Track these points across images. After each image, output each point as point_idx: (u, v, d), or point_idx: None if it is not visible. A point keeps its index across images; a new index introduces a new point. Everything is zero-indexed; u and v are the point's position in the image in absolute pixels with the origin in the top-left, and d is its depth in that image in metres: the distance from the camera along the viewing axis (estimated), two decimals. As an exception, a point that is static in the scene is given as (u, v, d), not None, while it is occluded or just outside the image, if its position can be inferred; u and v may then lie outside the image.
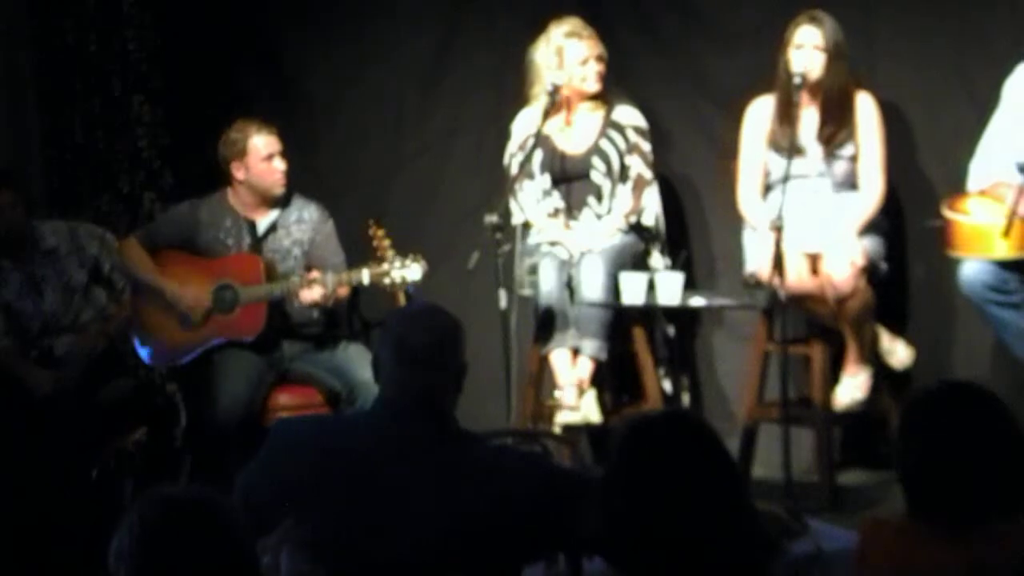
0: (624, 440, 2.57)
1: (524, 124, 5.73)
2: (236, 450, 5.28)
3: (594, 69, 5.62)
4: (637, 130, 5.69)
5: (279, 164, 5.53)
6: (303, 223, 5.59)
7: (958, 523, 2.68)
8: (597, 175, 5.68)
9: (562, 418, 5.45)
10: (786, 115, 5.35)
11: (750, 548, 2.49)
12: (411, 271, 5.22)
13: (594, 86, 5.65)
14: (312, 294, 5.32)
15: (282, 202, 5.61)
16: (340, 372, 5.44)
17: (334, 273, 5.34)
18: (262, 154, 5.51)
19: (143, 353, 5.59)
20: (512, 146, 5.74)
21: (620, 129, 5.69)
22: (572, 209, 5.72)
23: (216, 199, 5.62)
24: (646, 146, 5.69)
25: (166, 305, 5.54)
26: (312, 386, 5.51)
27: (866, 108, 5.40)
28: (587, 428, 5.55)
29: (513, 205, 5.66)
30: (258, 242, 5.58)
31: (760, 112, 5.49)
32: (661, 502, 2.46)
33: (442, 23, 6.42)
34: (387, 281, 5.21)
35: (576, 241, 5.59)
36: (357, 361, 5.42)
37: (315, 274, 5.35)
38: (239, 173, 5.53)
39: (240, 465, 5.29)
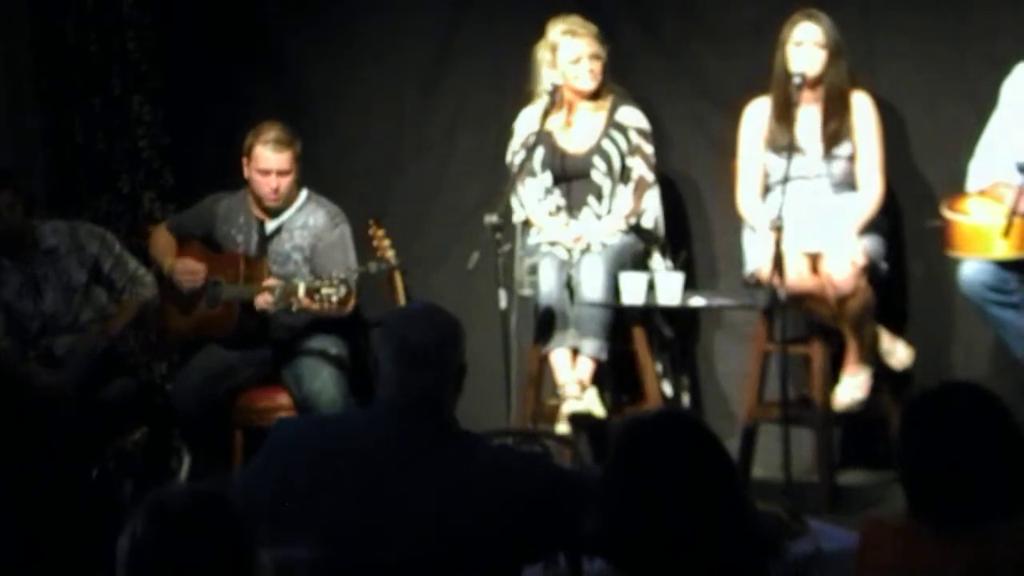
0: (622, 439, 2.57)
1: (527, 122, 5.73)
2: (191, 438, 5.57)
3: (587, 68, 5.61)
4: (640, 132, 5.69)
5: (272, 181, 5.52)
6: (306, 229, 5.60)
7: (958, 523, 2.68)
8: (598, 175, 5.68)
9: (568, 407, 5.44)
10: (784, 115, 5.35)
11: (749, 547, 2.48)
12: (336, 291, 5.19)
13: (587, 84, 5.64)
14: (262, 301, 5.35)
15: (292, 207, 5.61)
16: (296, 381, 5.49)
17: (284, 283, 5.35)
18: (259, 166, 5.53)
19: None
20: (515, 144, 5.74)
21: (623, 130, 5.68)
22: (572, 208, 5.72)
23: (239, 196, 5.69)
24: (648, 148, 5.69)
25: (170, 286, 5.67)
26: (284, 390, 5.58)
27: (863, 108, 5.40)
28: (588, 426, 5.54)
29: (514, 201, 5.66)
30: (264, 243, 5.60)
31: (758, 113, 5.49)
32: (659, 501, 2.45)
33: (442, 23, 6.42)
34: (316, 298, 5.20)
35: (575, 233, 5.59)
36: (308, 372, 5.48)
37: (270, 282, 5.38)
38: (245, 170, 5.59)
39: (195, 453, 5.47)
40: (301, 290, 5.24)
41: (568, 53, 5.60)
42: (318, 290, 5.20)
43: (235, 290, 5.50)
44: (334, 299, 5.18)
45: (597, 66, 5.63)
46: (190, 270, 5.62)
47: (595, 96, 5.69)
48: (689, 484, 2.46)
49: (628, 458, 2.53)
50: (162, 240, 5.79)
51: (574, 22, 5.63)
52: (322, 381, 5.43)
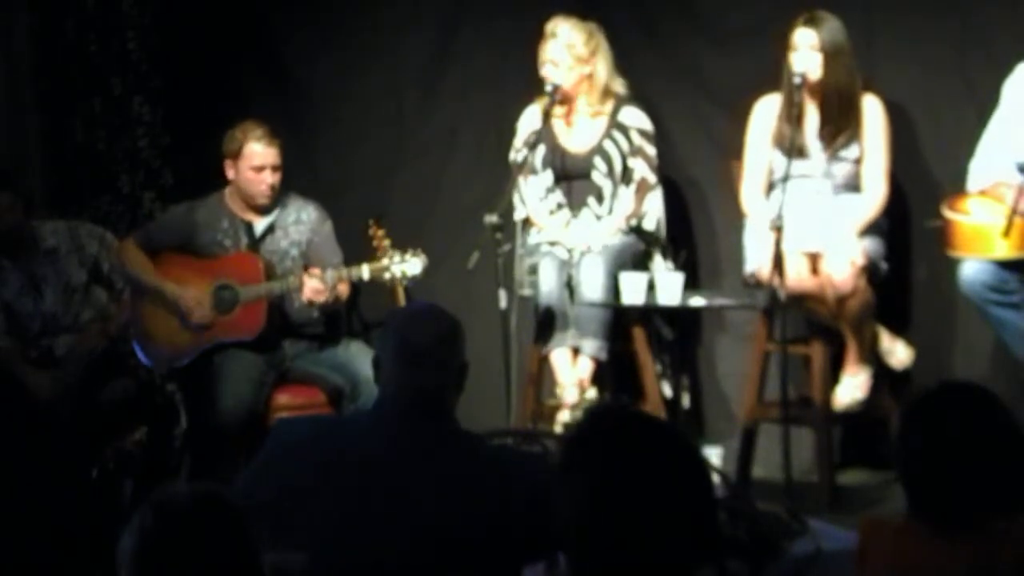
0: (567, 442, 2.50)
1: (529, 120, 5.74)
2: (239, 451, 5.32)
3: (550, 70, 5.57)
4: (642, 133, 5.68)
5: (267, 177, 5.51)
6: (301, 224, 5.59)
7: (958, 523, 2.68)
8: (598, 175, 5.68)
9: (563, 417, 5.45)
10: (789, 114, 5.35)
11: (699, 544, 2.38)
12: (411, 265, 5.26)
13: (549, 86, 5.58)
14: (311, 292, 5.31)
15: (277, 204, 5.60)
16: (343, 369, 5.44)
17: (334, 270, 5.35)
18: (253, 163, 5.51)
19: (143, 357, 5.59)
20: (517, 141, 5.74)
21: (624, 131, 5.69)
22: (573, 208, 5.72)
23: (214, 200, 5.63)
24: (651, 150, 5.69)
25: (167, 306, 5.54)
26: (314, 385, 5.51)
27: (872, 111, 5.40)
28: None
29: (516, 198, 5.66)
30: (255, 243, 5.58)
31: (767, 110, 5.49)
32: (601, 503, 2.36)
33: (442, 23, 6.42)
34: (387, 276, 5.24)
35: (575, 239, 5.59)
36: (359, 358, 5.43)
37: (315, 270, 5.36)
38: (230, 172, 5.55)
39: (242, 466, 5.35)
40: (366, 273, 5.25)
41: (541, 54, 5.61)
42: (387, 268, 5.20)
43: (260, 289, 5.43)
44: (409, 273, 5.21)
45: (557, 72, 5.56)
46: (198, 302, 5.49)
47: (601, 96, 5.66)
48: (630, 484, 2.37)
49: (567, 456, 2.45)
50: (140, 260, 5.59)
51: (553, 24, 5.60)
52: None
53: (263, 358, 5.49)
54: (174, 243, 5.63)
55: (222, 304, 5.51)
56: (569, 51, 5.58)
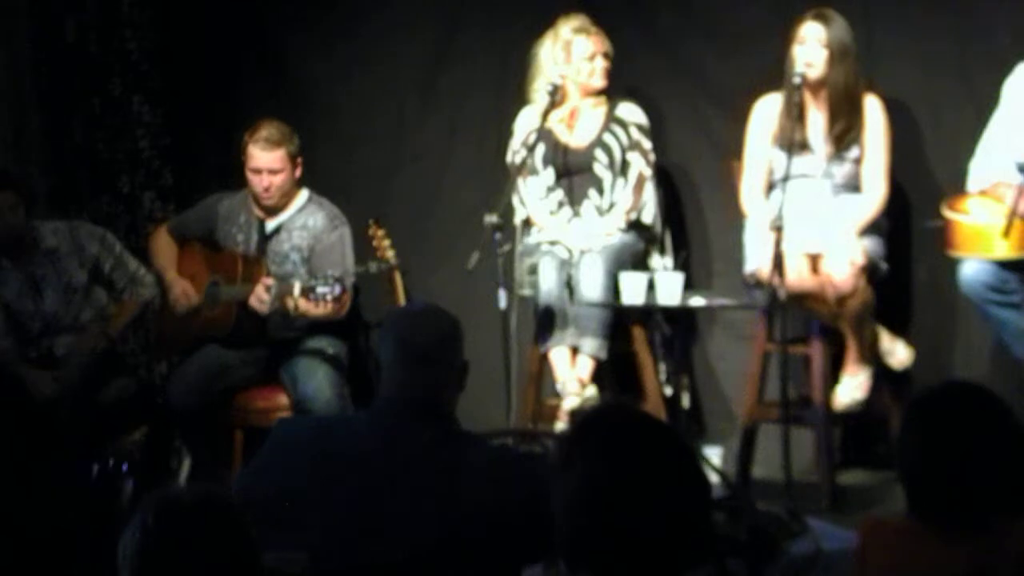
0: (566, 437, 2.49)
1: (526, 121, 5.75)
2: (187, 436, 5.62)
3: (601, 65, 5.67)
4: (639, 127, 5.72)
5: (263, 180, 5.49)
6: (305, 230, 5.58)
7: (959, 523, 2.68)
8: (599, 167, 5.70)
9: (568, 404, 5.45)
10: (790, 112, 5.35)
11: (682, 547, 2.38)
12: (331, 290, 5.18)
13: (600, 82, 5.69)
14: (254, 301, 5.33)
15: (293, 206, 5.60)
16: (293, 382, 5.47)
17: (279, 284, 5.32)
18: (250, 164, 5.52)
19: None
20: (515, 143, 5.75)
21: (623, 125, 5.72)
22: (574, 203, 5.74)
23: (240, 195, 5.67)
24: (647, 144, 5.72)
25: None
26: (283, 390, 5.56)
27: (873, 111, 5.40)
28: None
29: (515, 200, 5.67)
30: (263, 242, 5.59)
31: (767, 109, 5.48)
32: (598, 500, 2.35)
33: (442, 23, 6.43)
34: (312, 296, 5.19)
35: (575, 239, 5.60)
36: (304, 372, 5.45)
37: (267, 280, 5.35)
38: (245, 169, 5.58)
39: (195, 453, 5.50)
40: (296, 289, 5.23)
41: (583, 50, 5.65)
42: (313, 289, 5.19)
43: (233, 291, 5.49)
44: (329, 297, 5.17)
45: (608, 64, 5.69)
46: (185, 294, 5.61)
47: (596, 93, 5.72)
48: (631, 483, 2.37)
49: (562, 457, 2.44)
50: (163, 246, 5.75)
51: (584, 21, 5.69)
52: (317, 382, 5.42)
53: (235, 354, 5.55)
54: (200, 233, 5.71)
55: (210, 299, 5.57)
56: (609, 43, 5.67)
